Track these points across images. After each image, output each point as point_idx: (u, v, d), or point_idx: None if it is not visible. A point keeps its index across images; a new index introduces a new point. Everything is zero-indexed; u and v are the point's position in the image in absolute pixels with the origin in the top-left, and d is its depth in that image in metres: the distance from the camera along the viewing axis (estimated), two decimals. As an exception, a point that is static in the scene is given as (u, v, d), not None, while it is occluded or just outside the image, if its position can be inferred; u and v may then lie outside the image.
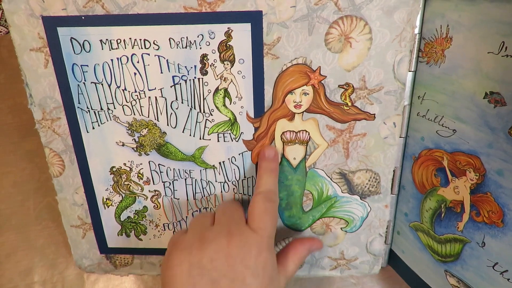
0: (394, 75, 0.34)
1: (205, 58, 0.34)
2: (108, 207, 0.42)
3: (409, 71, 0.34)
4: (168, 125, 0.37)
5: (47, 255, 0.48)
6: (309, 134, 0.37)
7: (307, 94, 0.35)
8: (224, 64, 0.35)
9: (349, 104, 0.35)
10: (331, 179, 0.38)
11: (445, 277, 0.35)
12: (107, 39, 0.34)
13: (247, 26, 0.33)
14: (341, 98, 0.35)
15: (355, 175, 0.38)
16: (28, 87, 0.37)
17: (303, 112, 0.36)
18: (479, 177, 0.30)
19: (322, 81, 0.35)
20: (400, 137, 0.37)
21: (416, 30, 0.33)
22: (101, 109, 0.37)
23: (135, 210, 0.42)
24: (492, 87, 0.27)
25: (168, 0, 0.33)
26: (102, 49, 0.35)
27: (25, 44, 0.35)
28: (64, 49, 0.35)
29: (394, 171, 0.38)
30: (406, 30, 0.33)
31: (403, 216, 0.40)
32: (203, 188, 0.40)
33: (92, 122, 0.38)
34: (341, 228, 0.41)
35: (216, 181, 0.39)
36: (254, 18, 0.33)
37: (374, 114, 0.36)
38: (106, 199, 0.41)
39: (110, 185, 0.40)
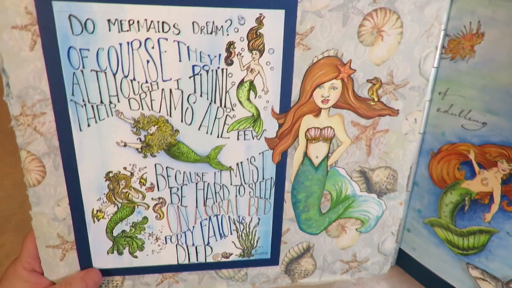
0: (420, 70, 0.34)
1: (231, 47, 0.31)
2: (98, 220, 0.35)
3: (433, 67, 0.35)
4: (182, 121, 0.33)
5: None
6: (333, 130, 0.35)
7: (336, 88, 0.34)
8: (252, 54, 0.31)
9: (376, 99, 0.35)
10: (351, 178, 0.37)
11: (467, 270, 0.36)
12: (116, 19, 0.29)
13: (281, 13, 0.31)
14: (368, 93, 0.34)
15: (374, 172, 0.37)
16: (5, 73, 0.29)
17: (330, 107, 0.34)
18: (513, 167, 0.31)
19: (351, 75, 0.33)
20: (419, 133, 0.37)
21: (443, 27, 0.34)
22: (101, 102, 0.31)
23: (133, 223, 0.36)
24: (532, 79, 0.28)
25: (195, -23, 0.29)
26: (110, 30, 0.29)
27: (5, 20, 0.28)
28: (59, 29, 0.29)
29: (410, 167, 0.38)
30: (434, 26, 0.33)
31: (415, 213, 0.40)
32: (215, 193, 0.36)
33: (88, 119, 0.31)
34: (356, 229, 0.40)
35: (231, 184, 0.36)
36: (289, 5, 0.31)
37: (398, 110, 0.35)
38: (97, 210, 0.35)
39: (104, 193, 0.34)
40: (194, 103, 0.32)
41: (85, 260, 0.36)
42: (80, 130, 0.32)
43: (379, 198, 0.39)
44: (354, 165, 0.37)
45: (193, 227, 0.37)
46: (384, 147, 0.37)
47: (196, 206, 0.36)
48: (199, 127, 0.33)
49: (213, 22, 0.30)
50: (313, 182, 0.37)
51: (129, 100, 0.31)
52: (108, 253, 0.36)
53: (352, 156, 0.36)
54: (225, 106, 0.33)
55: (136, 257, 0.37)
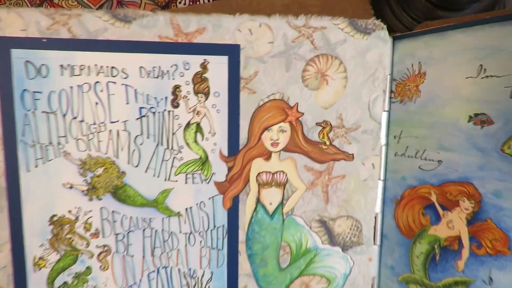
0: (370, 114, 0.34)
1: (177, 90, 0.32)
2: (40, 269, 0.33)
3: (384, 111, 0.34)
4: (129, 163, 0.33)
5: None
6: (286, 175, 0.34)
7: (285, 131, 0.34)
8: (198, 97, 0.32)
9: (327, 143, 0.34)
10: (310, 228, 0.35)
11: (447, 334, 0.31)
12: (68, 64, 0.31)
13: (224, 59, 0.32)
14: (319, 137, 0.34)
15: (335, 222, 0.35)
16: (-39, 115, 0.31)
17: (280, 151, 0.34)
18: (475, 204, 0.28)
19: (299, 118, 0.34)
20: (379, 179, 0.35)
21: (387, 71, 0.34)
22: (50, 143, 0.32)
23: (75, 273, 0.34)
24: (476, 109, 0.27)
25: (143, 28, 0.31)
26: (62, 74, 0.31)
27: (-32, 66, 0.31)
28: (15, 73, 0.31)
29: (375, 217, 0.35)
30: (378, 71, 0.34)
31: (388, 271, 0.36)
32: (164, 242, 0.34)
33: (36, 159, 0.32)
34: (322, 289, 0.36)
35: (180, 232, 0.34)
36: (232, 51, 0.32)
37: (353, 154, 0.34)
38: (39, 258, 0.33)
39: (47, 239, 0.33)
40: (141, 144, 0.33)
41: (22, 316, 0.34)
42: (28, 170, 0.32)
43: (344, 252, 0.35)
44: (312, 213, 0.35)
45: (140, 280, 0.34)
46: (343, 194, 0.35)
47: (143, 256, 0.34)
48: (146, 169, 0.33)
49: (159, 67, 0.32)
50: (269, 231, 0.34)
51: (77, 141, 0.32)
52: (47, 309, 0.34)
53: (309, 203, 0.35)
54: (172, 148, 0.33)
55: (77, 315, 0.34)
